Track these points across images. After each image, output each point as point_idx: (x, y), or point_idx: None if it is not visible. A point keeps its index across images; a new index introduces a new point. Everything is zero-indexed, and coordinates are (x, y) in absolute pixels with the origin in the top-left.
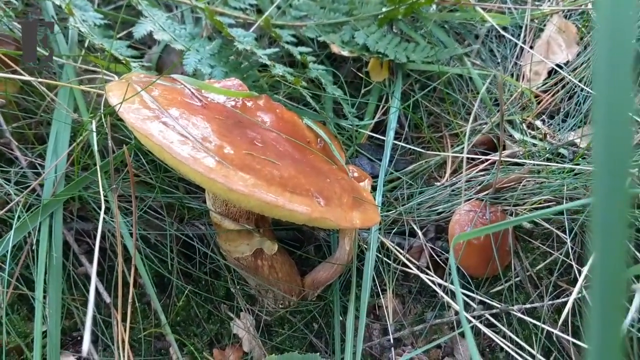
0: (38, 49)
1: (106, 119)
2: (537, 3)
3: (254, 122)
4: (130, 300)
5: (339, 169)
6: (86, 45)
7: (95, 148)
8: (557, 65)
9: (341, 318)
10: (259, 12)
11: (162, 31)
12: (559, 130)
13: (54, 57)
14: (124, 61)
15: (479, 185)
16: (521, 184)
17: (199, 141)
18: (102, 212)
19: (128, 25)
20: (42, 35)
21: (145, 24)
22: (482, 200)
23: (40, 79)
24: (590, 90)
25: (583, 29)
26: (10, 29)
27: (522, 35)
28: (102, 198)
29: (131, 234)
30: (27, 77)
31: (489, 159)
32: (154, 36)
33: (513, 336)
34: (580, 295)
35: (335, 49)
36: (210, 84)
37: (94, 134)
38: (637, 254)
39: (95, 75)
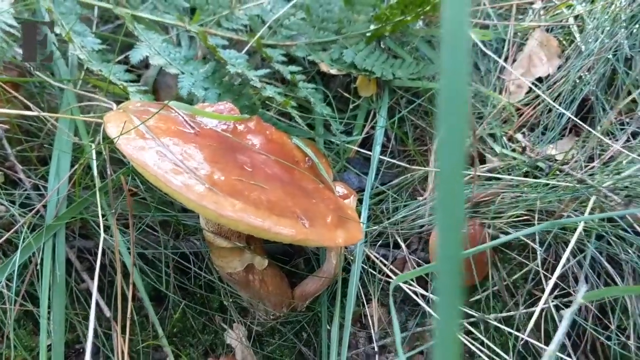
0: (40, 73)
1: (105, 147)
2: (519, 17)
3: (244, 145)
4: (129, 313)
5: (325, 188)
6: (85, 68)
7: (95, 172)
8: (539, 78)
9: (328, 327)
10: (252, 31)
11: (157, 55)
12: (538, 143)
13: (55, 82)
14: (121, 86)
15: None
16: (499, 198)
17: (191, 169)
18: (101, 234)
19: (125, 46)
20: (43, 56)
21: (141, 49)
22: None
23: (42, 113)
24: (559, 108)
25: (564, 42)
26: (13, 56)
27: (505, 49)
28: (101, 220)
29: (129, 251)
30: (30, 112)
31: (468, 174)
32: (149, 61)
33: (490, 344)
34: (549, 304)
35: (324, 67)
36: (202, 109)
37: (94, 160)
38: (609, 266)
39: (94, 96)
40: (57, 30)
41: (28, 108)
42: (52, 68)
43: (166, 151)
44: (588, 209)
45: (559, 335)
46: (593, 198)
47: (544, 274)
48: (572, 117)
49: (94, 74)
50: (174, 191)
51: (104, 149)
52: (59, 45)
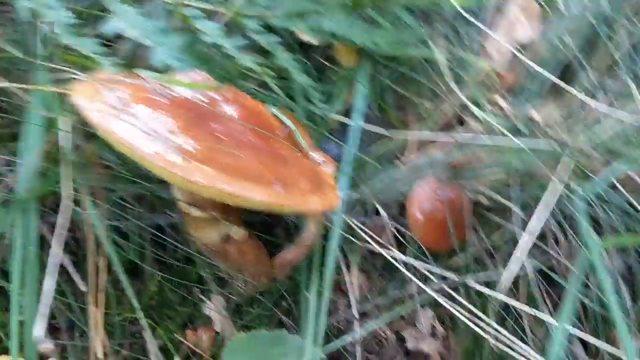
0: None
1: (71, 117)
2: None
3: (218, 114)
4: (102, 286)
5: (302, 156)
6: (58, 43)
7: (62, 143)
8: (520, 42)
9: (308, 295)
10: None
11: (131, 28)
12: (520, 106)
13: (26, 58)
14: (95, 59)
15: (437, 164)
16: (478, 162)
17: (162, 137)
18: (62, 208)
19: (101, 20)
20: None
21: (114, 21)
22: (439, 178)
23: (10, 84)
24: (541, 70)
25: (545, 5)
26: None
27: (486, 14)
28: (63, 194)
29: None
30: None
31: (447, 142)
32: (123, 33)
33: (471, 307)
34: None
35: (303, 36)
36: (176, 79)
37: (61, 132)
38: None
39: (67, 69)
40: (27, 4)
41: None
42: (25, 43)
43: (135, 119)
44: (562, 171)
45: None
46: (566, 159)
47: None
48: (553, 77)
49: (67, 49)
50: (143, 158)
51: (68, 121)
52: (32, 20)
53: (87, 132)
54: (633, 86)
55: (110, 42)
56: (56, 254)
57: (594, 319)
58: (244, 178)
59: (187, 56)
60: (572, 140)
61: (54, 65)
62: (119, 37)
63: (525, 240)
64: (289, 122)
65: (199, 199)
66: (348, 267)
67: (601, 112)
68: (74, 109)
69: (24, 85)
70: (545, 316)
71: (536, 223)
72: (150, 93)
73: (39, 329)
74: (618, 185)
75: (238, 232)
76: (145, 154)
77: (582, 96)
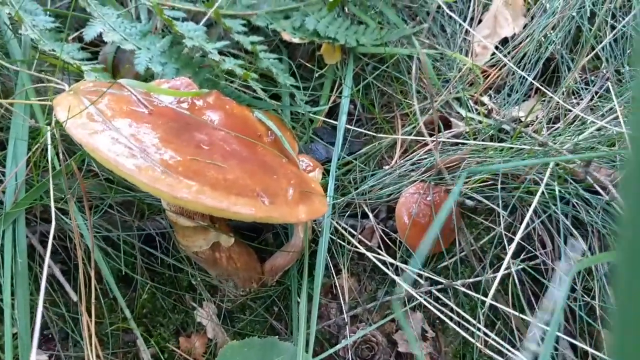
0: None
1: (57, 131)
2: None
3: (201, 122)
4: (93, 296)
5: (288, 162)
6: (39, 49)
7: (50, 156)
8: (504, 38)
9: (299, 300)
10: (209, 0)
11: (112, 31)
12: (504, 105)
13: (8, 65)
14: (75, 65)
15: (424, 167)
16: (464, 163)
17: (144, 151)
18: (53, 222)
19: (82, 23)
20: None
21: (95, 26)
22: (426, 181)
23: None
24: (521, 72)
25: (529, 0)
26: None
27: (470, 9)
28: (53, 206)
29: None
30: None
31: (434, 140)
32: (104, 38)
33: (459, 310)
34: (515, 267)
35: (287, 36)
36: (158, 86)
37: (49, 144)
38: (572, 229)
39: (49, 77)
40: (7, 10)
41: None
42: (6, 47)
43: (117, 134)
44: (546, 176)
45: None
46: (551, 164)
47: (509, 237)
48: (533, 81)
49: (48, 53)
50: (126, 174)
51: (56, 132)
52: (11, 24)
53: (72, 141)
54: (613, 87)
55: (90, 45)
56: (48, 266)
57: (581, 320)
58: (229, 191)
59: (169, 60)
60: (554, 142)
61: (36, 74)
62: (100, 39)
63: (513, 248)
64: (274, 127)
65: (186, 209)
66: (338, 270)
67: (584, 111)
68: (56, 120)
69: (5, 101)
70: (532, 320)
71: (522, 231)
72: (133, 105)
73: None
74: (597, 187)
75: (227, 240)
76: (130, 170)
77: (562, 102)
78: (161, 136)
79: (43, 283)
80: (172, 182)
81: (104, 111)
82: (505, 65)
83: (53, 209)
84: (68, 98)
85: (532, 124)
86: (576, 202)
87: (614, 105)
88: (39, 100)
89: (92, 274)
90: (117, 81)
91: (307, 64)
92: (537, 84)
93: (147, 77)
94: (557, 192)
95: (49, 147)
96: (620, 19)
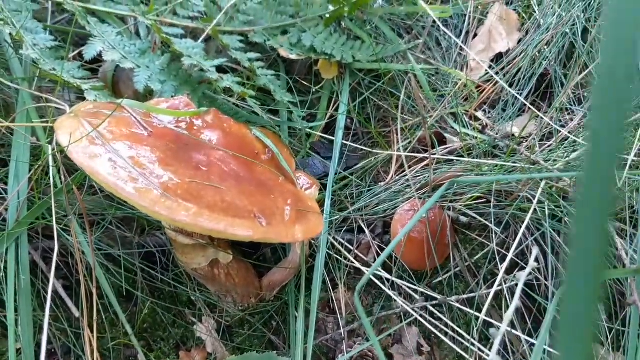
0: None
1: (58, 153)
2: None
3: (200, 142)
4: (95, 312)
5: (285, 180)
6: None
7: (51, 176)
8: (499, 53)
9: (297, 315)
10: (207, 15)
11: (112, 50)
12: (499, 120)
13: (9, 83)
14: (75, 85)
15: (418, 183)
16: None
17: (143, 174)
18: (56, 242)
19: (81, 38)
20: None
21: (95, 44)
22: (421, 198)
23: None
24: (512, 91)
25: (524, 15)
26: None
27: (465, 23)
28: (55, 226)
29: (98, 250)
30: None
31: (428, 157)
32: (104, 57)
33: (453, 325)
34: (509, 284)
35: (284, 52)
36: (157, 106)
37: (52, 166)
38: (564, 245)
39: (50, 97)
40: (8, 30)
41: None
42: (7, 65)
43: (117, 157)
44: (539, 192)
45: (511, 309)
46: (543, 183)
47: (503, 253)
48: (525, 101)
49: (48, 72)
50: (127, 198)
51: (57, 155)
52: (12, 42)
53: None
54: None
55: (90, 62)
56: (51, 284)
57: None
58: (226, 213)
59: (168, 77)
60: (546, 161)
61: (37, 93)
62: (100, 56)
63: (506, 265)
64: (272, 145)
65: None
66: (335, 285)
67: (576, 128)
68: (57, 142)
69: (9, 124)
70: (524, 337)
71: (515, 248)
72: (132, 126)
73: None
74: None
75: (225, 257)
76: (129, 194)
77: (552, 123)
78: (160, 158)
79: (48, 302)
80: (171, 205)
81: (104, 134)
82: (500, 79)
83: (56, 228)
84: (69, 121)
85: (526, 140)
86: (568, 220)
87: None
88: (40, 122)
89: (94, 291)
90: (117, 102)
91: (304, 79)
92: (528, 104)
93: (146, 93)
94: (546, 211)
95: (51, 167)
96: None
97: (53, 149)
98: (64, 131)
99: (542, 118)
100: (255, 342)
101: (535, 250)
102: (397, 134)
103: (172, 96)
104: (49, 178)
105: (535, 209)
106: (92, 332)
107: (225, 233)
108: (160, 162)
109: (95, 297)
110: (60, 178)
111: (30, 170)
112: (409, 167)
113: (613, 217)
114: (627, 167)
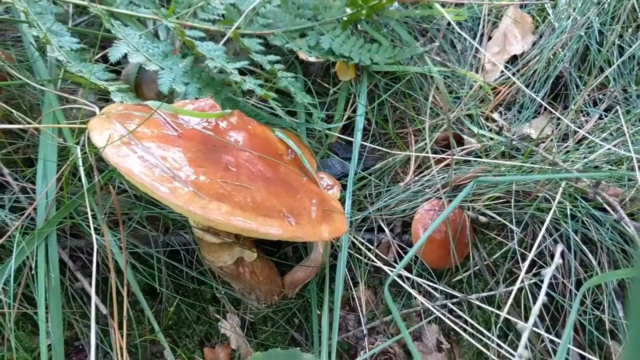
0: (16, 74)
1: (91, 154)
2: None
3: (227, 144)
4: (125, 311)
5: (309, 181)
6: (65, 68)
7: (83, 175)
8: (514, 55)
9: (319, 312)
10: (224, 17)
11: (136, 52)
12: (515, 122)
13: (35, 84)
14: (102, 86)
15: (438, 183)
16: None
17: (177, 174)
18: (95, 244)
19: (103, 40)
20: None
21: (120, 47)
22: (441, 198)
23: (28, 125)
24: (530, 93)
25: (538, 18)
26: None
27: (480, 26)
28: (92, 225)
29: (121, 249)
30: (17, 126)
31: (447, 158)
32: (129, 59)
33: (473, 322)
34: (528, 282)
35: (303, 55)
36: (184, 108)
37: (80, 166)
38: (583, 245)
39: (76, 98)
40: (35, 32)
41: (10, 114)
42: (32, 67)
43: (151, 157)
44: (559, 193)
45: (538, 305)
46: (563, 183)
47: (521, 252)
48: (542, 101)
49: (75, 74)
50: (161, 197)
51: (90, 155)
52: (37, 44)
53: (99, 158)
54: (620, 108)
55: (112, 64)
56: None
57: (590, 333)
58: (257, 212)
59: (191, 79)
60: (565, 162)
61: (64, 94)
62: (124, 58)
63: (527, 265)
64: (294, 146)
65: (213, 226)
66: (355, 282)
67: (592, 129)
68: (89, 142)
69: (40, 125)
70: (545, 334)
71: (536, 247)
72: (162, 127)
73: None
74: (606, 206)
75: (250, 255)
76: (164, 193)
77: (570, 123)
78: (191, 159)
79: (93, 306)
80: (205, 204)
81: (136, 135)
82: (514, 82)
83: (92, 227)
84: (102, 122)
85: (544, 141)
86: (586, 220)
87: (622, 125)
88: (69, 124)
89: (125, 291)
90: (146, 103)
91: (321, 80)
92: (545, 104)
93: (170, 97)
94: (568, 211)
95: (81, 168)
96: (628, 39)
97: (83, 150)
98: (97, 132)
99: (559, 119)
100: (278, 338)
101: (560, 247)
102: (413, 135)
103: (196, 98)
104: (77, 178)
105: (554, 210)
106: (121, 329)
107: (257, 232)
108: (192, 162)
109: (126, 298)
110: (94, 178)
111: (57, 171)
112: (428, 167)
113: None
114: None
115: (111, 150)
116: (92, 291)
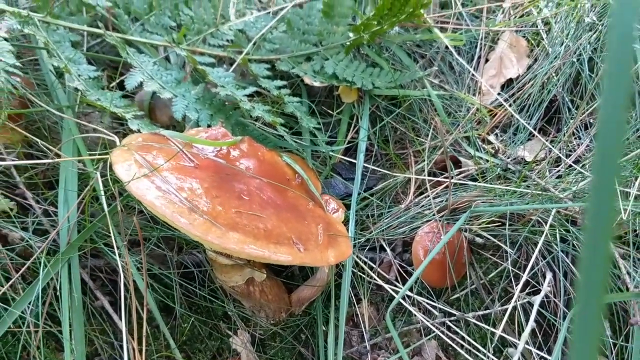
0: (37, 101)
1: (114, 186)
2: (490, 17)
3: (239, 172)
4: (144, 330)
5: (315, 205)
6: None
7: (105, 203)
8: (509, 79)
9: (324, 328)
10: (232, 42)
11: (151, 80)
12: (510, 144)
13: (55, 112)
14: (119, 114)
15: (436, 206)
16: (473, 204)
17: (195, 205)
18: (120, 266)
19: (116, 64)
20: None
21: (135, 75)
22: (439, 221)
23: (53, 161)
24: (521, 120)
25: (532, 41)
26: (13, 86)
27: (477, 48)
28: (115, 248)
29: (139, 269)
30: (41, 162)
31: (444, 182)
32: (144, 87)
33: (470, 339)
34: (521, 301)
35: (308, 80)
36: (197, 136)
37: (102, 195)
38: (572, 267)
39: (96, 127)
40: (55, 62)
41: (30, 141)
42: (51, 93)
43: (170, 189)
44: (550, 218)
45: (527, 329)
46: (553, 210)
47: (515, 272)
48: (531, 129)
49: (93, 102)
50: (181, 228)
51: (112, 187)
52: (55, 70)
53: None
54: None
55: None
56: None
57: None
58: (268, 240)
59: (203, 106)
60: (556, 188)
61: (84, 123)
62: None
63: (521, 285)
64: (300, 171)
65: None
66: (358, 299)
67: (584, 153)
68: (111, 174)
69: (62, 159)
70: (536, 351)
71: (529, 269)
72: (180, 159)
73: None
74: None
75: (260, 275)
76: (184, 224)
77: (559, 153)
78: (207, 190)
79: (124, 323)
80: (221, 234)
81: (155, 166)
82: (510, 105)
83: (119, 259)
84: (123, 154)
85: (538, 164)
86: (576, 243)
87: None
88: (90, 156)
89: (145, 312)
90: (163, 133)
91: (324, 102)
92: (535, 133)
93: (182, 123)
94: (557, 235)
95: (102, 196)
96: None
97: (104, 178)
98: (121, 165)
99: (552, 141)
100: (286, 354)
101: (549, 275)
102: (413, 156)
103: (209, 125)
104: (97, 202)
105: (546, 233)
106: (140, 345)
107: (269, 259)
108: (208, 193)
109: (145, 317)
110: (116, 205)
111: (78, 195)
112: (426, 189)
113: (617, 241)
114: (632, 198)
115: (136, 185)
116: (122, 317)
